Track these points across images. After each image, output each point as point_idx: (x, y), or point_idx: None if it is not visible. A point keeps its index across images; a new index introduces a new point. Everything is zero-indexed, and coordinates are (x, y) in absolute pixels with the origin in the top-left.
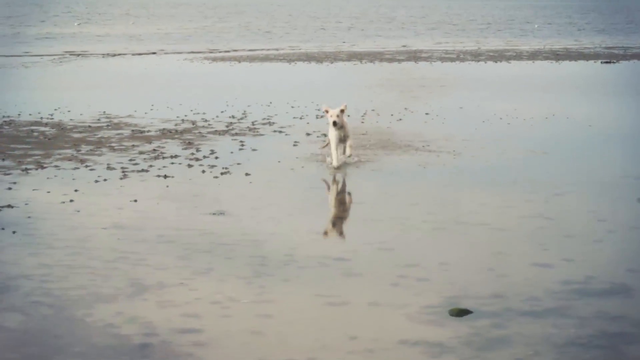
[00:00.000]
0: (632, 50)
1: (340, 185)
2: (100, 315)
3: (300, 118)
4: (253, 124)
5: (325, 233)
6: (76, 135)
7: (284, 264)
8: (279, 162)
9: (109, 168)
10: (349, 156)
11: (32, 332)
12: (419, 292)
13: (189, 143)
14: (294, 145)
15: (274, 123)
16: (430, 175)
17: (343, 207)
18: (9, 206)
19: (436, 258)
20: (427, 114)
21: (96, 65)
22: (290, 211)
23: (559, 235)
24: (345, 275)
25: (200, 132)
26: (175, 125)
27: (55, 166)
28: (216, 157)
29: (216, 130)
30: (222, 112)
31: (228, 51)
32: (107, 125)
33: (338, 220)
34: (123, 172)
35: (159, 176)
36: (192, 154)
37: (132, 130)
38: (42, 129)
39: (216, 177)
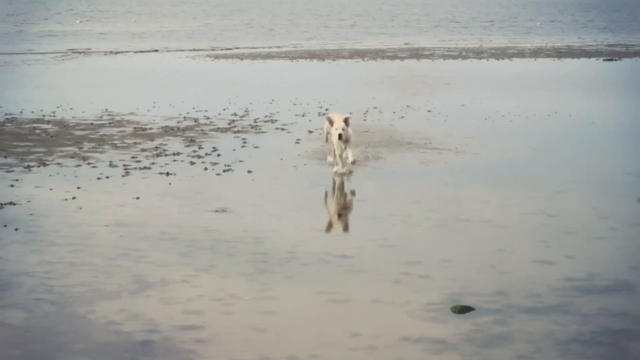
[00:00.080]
0: (634, 48)
1: (342, 183)
2: (102, 312)
3: (303, 115)
4: (255, 121)
5: (330, 226)
6: (78, 133)
7: (286, 261)
8: (281, 159)
9: (111, 165)
10: (352, 162)
11: (34, 329)
12: (421, 289)
13: (191, 140)
14: (296, 142)
15: (276, 120)
16: (432, 172)
17: (345, 205)
18: (12, 203)
19: (438, 255)
20: (429, 111)
21: (98, 63)
22: (292, 208)
23: (561, 233)
24: (347, 272)
25: (202, 130)
26: (178, 122)
27: (58, 163)
28: (218, 155)
29: (218, 128)
30: (224, 109)
31: (230, 49)
32: (110, 123)
33: (340, 217)
34: (125, 169)
35: (161, 173)
36: (195, 151)
37: (135, 128)
38: (45, 126)
39: (218, 174)
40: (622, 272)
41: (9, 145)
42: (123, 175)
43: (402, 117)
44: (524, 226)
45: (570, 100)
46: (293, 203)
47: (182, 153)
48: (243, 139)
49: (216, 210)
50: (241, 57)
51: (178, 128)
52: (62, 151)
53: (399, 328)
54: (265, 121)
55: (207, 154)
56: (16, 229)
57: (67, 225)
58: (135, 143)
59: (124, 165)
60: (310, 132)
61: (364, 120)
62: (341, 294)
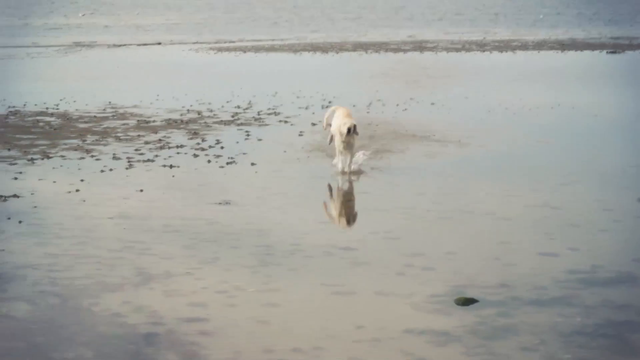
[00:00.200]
0: (638, 40)
1: (345, 176)
2: (106, 304)
3: (306, 108)
4: (258, 114)
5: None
6: (82, 126)
7: (290, 253)
8: (284, 152)
9: (114, 158)
10: (352, 167)
11: (38, 321)
12: (425, 281)
13: (195, 133)
14: (300, 135)
15: (279, 113)
16: (436, 165)
17: (349, 197)
18: (15, 196)
19: (442, 247)
20: (432, 104)
21: (101, 56)
22: (296, 201)
23: (565, 225)
24: (351, 264)
25: (205, 122)
26: (181, 115)
27: (61, 156)
28: (222, 147)
29: (222, 120)
30: (227, 102)
31: (234, 41)
32: (113, 116)
33: (344, 209)
34: (129, 162)
35: (164, 166)
36: (198, 143)
37: (138, 121)
38: (48, 119)
39: (222, 167)
40: (626, 265)
41: (12, 137)
42: (126, 168)
43: (406, 109)
44: (527, 218)
45: (574, 93)
46: (296, 195)
47: (185, 145)
48: (246, 131)
49: (220, 203)
50: (244, 49)
51: (181, 121)
52: (65, 144)
53: (402, 320)
54: (269, 114)
55: (210, 147)
56: (20, 222)
57: (71, 218)
58: (138, 136)
59: (128, 157)
60: (313, 124)
61: (368, 112)
62: (345, 286)
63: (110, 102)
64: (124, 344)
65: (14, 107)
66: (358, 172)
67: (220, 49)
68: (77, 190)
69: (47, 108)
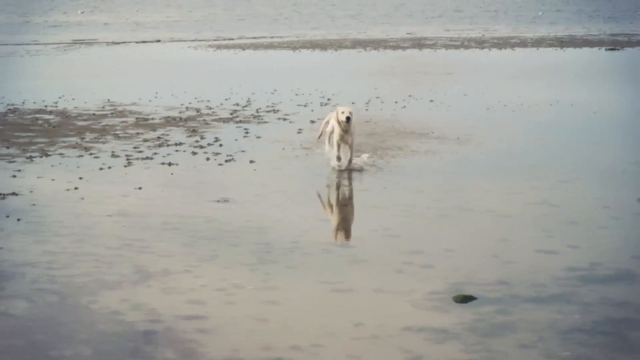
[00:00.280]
0: (637, 37)
1: (344, 174)
2: (105, 302)
3: (305, 105)
4: (257, 111)
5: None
6: (81, 123)
7: (289, 250)
8: (283, 149)
9: (113, 156)
10: (354, 164)
11: (37, 319)
12: (424, 279)
13: (194, 130)
14: (298, 132)
15: (278, 110)
16: (435, 162)
17: (348, 195)
18: (14, 194)
19: (441, 245)
20: (431, 101)
21: (100, 53)
22: (294, 198)
23: (564, 222)
24: (350, 262)
25: (204, 120)
26: (180, 112)
27: (60, 154)
28: (220, 145)
29: (220, 118)
30: (226, 99)
31: (233, 39)
32: (112, 113)
33: (343, 207)
34: (127, 159)
35: (163, 164)
36: (197, 141)
37: (137, 118)
38: (47, 116)
39: (220, 164)
40: (625, 262)
41: (11, 135)
42: (125, 166)
43: (404, 106)
44: (526, 216)
45: (572, 90)
46: (296, 193)
47: (184, 143)
48: (245, 129)
49: (218, 201)
50: (243, 47)
51: (180, 118)
52: (64, 141)
53: (401, 317)
54: (268, 111)
55: (209, 144)
56: (19, 220)
57: (70, 216)
58: (137, 133)
59: (126, 155)
60: (312, 122)
61: (366, 110)
62: (344, 283)
63: (109, 100)
64: (122, 341)
65: (12, 104)
66: (358, 169)
67: (219, 46)
68: (76, 188)
69: (45, 106)
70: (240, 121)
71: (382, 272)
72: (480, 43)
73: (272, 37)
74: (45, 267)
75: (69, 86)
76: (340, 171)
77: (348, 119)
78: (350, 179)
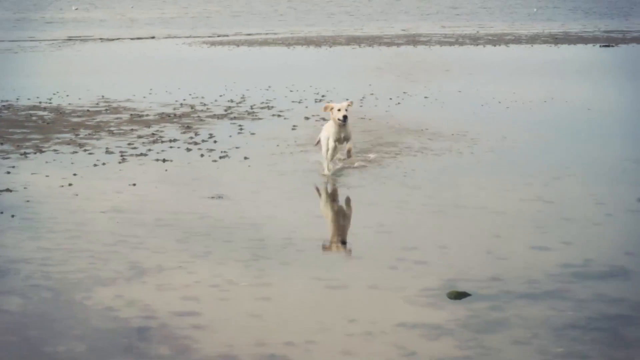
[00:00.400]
0: (631, 34)
1: (338, 170)
2: (99, 298)
3: (299, 102)
4: (252, 107)
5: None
6: (75, 120)
7: (283, 247)
8: (277, 145)
9: (107, 152)
10: (354, 164)
11: (31, 315)
12: (418, 275)
13: (188, 127)
14: (293, 129)
15: (272, 107)
16: (429, 158)
17: (341, 191)
18: (8, 190)
19: (435, 241)
20: (425, 97)
21: (95, 50)
22: (289, 195)
23: (558, 219)
24: (343, 258)
25: (198, 116)
26: (174, 109)
27: (54, 150)
28: (215, 141)
29: (215, 114)
30: (220, 96)
31: (227, 35)
32: (106, 110)
33: (336, 204)
34: (122, 156)
35: (157, 160)
36: (191, 137)
37: (131, 115)
38: (41, 113)
39: (215, 160)
40: (619, 258)
41: (5, 132)
42: (119, 162)
43: (399, 103)
44: (520, 212)
45: (567, 87)
46: (290, 189)
47: (178, 140)
48: (239, 125)
49: (213, 197)
50: (238, 43)
51: (174, 115)
52: (58, 138)
53: (395, 314)
54: (262, 107)
55: (203, 141)
56: (12, 216)
57: (64, 212)
58: (131, 130)
59: (121, 152)
60: (306, 118)
61: (361, 106)
62: (338, 280)
63: (103, 96)
64: (116, 337)
65: (6, 101)
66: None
67: (213, 43)
68: (70, 185)
69: (40, 102)
70: (235, 117)
71: (376, 269)
72: (475, 40)
73: (266, 34)
74: (39, 264)
75: (63, 83)
76: (335, 168)
77: (345, 117)
78: (343, 175)
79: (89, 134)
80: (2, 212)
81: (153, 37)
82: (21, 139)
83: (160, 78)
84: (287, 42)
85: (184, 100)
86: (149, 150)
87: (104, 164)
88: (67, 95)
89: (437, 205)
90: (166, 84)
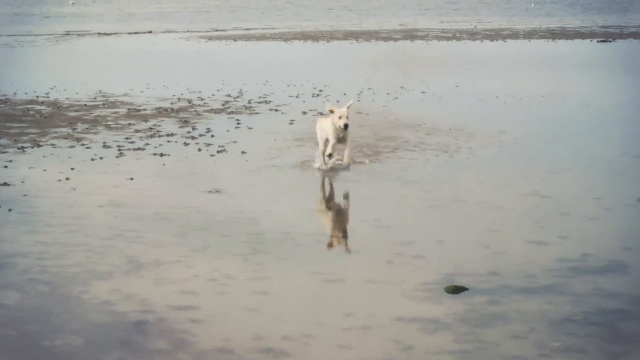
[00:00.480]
0: (629, 29)
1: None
2: (96, 292)
3: (297, 97)
4: (249, 102)
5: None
6: (72, 114)
7: (280, 241)
8: (275, 140)
9: (105, 146)
10: (347, 164)
11: (28, 309)
12: (415, 269)
13: (185, 121)
14: (290, 123)
15: (270, 102)
16: (427, 153)
17: (339, 186)
18: (5, 184)
19: (432, 235)
20: (423, 92)
21: (92, 44)
22: (286, 189)
23: (555, 213)
24: (341, 252)
25: (196, 111)
26: (172, 103)
27: (52, 144)
28: (212, 136)
29: (212, 109)
30: (218, 90)
31: (225, 30)
32: (103, 104)
33: (334, 198)
34: (119, 150)
35: (155, 154)
36: (188, 132)
37: (128, 109)
38: (38, 107)
39: (212, 155)
40: (616, 253)
41: (2, 126)
42: (117, 156)
43: (396, 98)
44: (518, 207)
45: (564, 82)
46: (287, 184)
47: (176, 134)
48: (237, 120)
49: (210, 191)
50: (235, 38)
51: (172, 109)
52: (55, 132)
53: (392, 308)
54: (259, 102)
55: (201, 135)
56: (10, 210)
57: (61, 206)
58: (129, 124)
59: (118, 146)
60: (304, 113)
61: (358, 101)
62: (335, 274)
63: (100, 91)
64: (114, 331)
65: (4, 95)
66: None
67: (211, 38)
68: (68, 179)
69: (37, 96)
70: (232, 112)
71: (373, 263)
72: (472, 35)
73: (264, 29)
74: (36, 258)
75: (61, 77)
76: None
77: (346, 125)
78: (341, 170)
79: (87, 129)
80: None
81: (150, 32)
82: (18, 133)
83: (157, 73)
84: (285, 37)
85: (182, 94)
86: (147, 144)
87: (101, 158)
88: (65, 90)
89: (435, 199)
90: (163, 78)
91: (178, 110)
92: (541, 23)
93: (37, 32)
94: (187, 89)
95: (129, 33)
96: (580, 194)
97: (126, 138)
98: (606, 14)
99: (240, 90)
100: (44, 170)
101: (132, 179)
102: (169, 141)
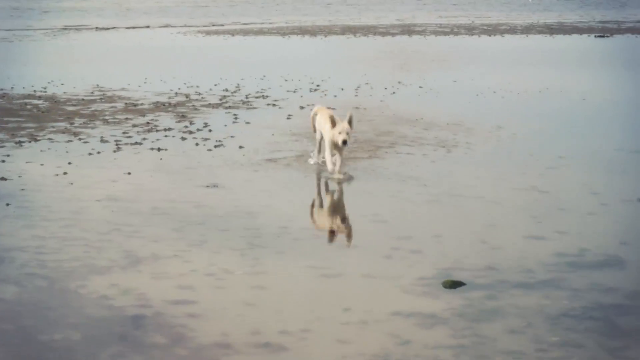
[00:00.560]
0: (626, 24)
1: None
2: (94, 287)
3: (294, 91)
4: (247, 97)
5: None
6: (70, 108)
7: (278, 236)
8: (272, 135)
9: (102, 141)
10: (339, 173)
11: (26, 303)
12: (413, 264)
13: (183, 116)
14: (288, 118)
15: (267, 96)
16: (424, 148)
17: (337, 181)
18: (3, 179)
19: (430, 230)
20: (420, 87)
21: (90, 39)
22: (284, 183)
23: (553, 208)
24: (338, 247)
25: (193, 105)
26: (169, 98)
27: (49, 139)
28: (210, 130)
29: (210, 104)
30: (215, 85)
31: (222, 25)
32: (101, 99)
33: (331, 193)
34: (117, 144)
35: (152, 149)
36: (186, 126)
37: (126, 104)
38: (36, 102)
39: (210, 150)
40: (613, 248)
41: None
42: (114, 151)
43: (394, 93)
44: (515, 202)
45: (562, 77)
46: (285, 178)
47: (173, 129)
48: (234, 114)
49: (208, 186)
50: (233, 33)
51: (169, 104)
52: (53, 126)
53: (390, 303)
54: (257, 97)
55: (198, 130)
56: (7, 204)
57: (59, 201)
58: (126, 119)
59: (115, 140)
60: (301, 107)
61: (356, 96)
62: (333, 268)
63: (98, 85)
64: (111, 326)
65: (1, 89)
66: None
67: (208, 32)
68: (65, 173)
69: (34, 91)
70: (230, 107)
71: (371, 258)
72: (470, 30)
73: (262, 23)
74: (34, 252)
75: (58, 71)
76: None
77: (345, 142)
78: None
79: (84, 123)
80: None
81: (148, 27)
82: (16, 128)
83: (155, 67)
84: (282, 32)
85: (179, 89)
86: (144, 139)
87: (98, 152)
88: (62, 84)
89: (433, 194)
90: (161, 73)
91: (175, 105)
92: (539, 18)
93: (35, 26)
94: (185, 84)
95: (127, 27)
96: (578, 189)
97: (124, 133)
98: (604, 9)
99: (238, 84)
100: (42, 164)
101: (129, 173)
102: (166, 136)
